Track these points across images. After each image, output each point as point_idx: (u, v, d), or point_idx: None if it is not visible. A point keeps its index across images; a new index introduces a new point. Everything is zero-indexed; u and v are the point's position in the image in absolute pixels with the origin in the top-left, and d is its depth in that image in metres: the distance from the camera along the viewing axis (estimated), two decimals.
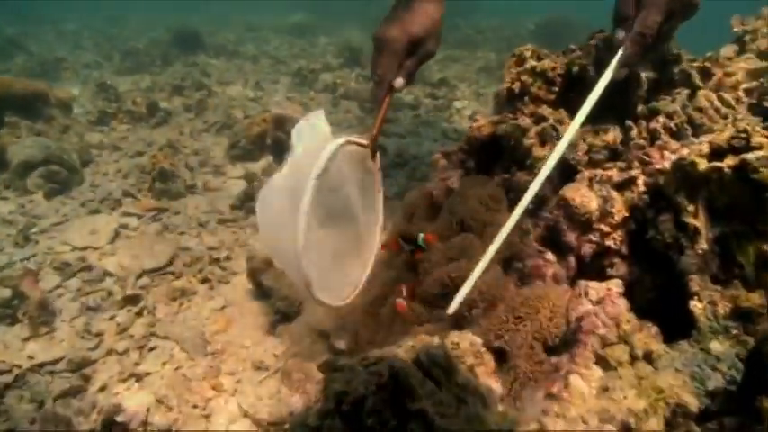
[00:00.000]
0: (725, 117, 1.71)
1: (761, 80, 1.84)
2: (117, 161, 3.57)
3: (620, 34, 1.37)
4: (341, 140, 1.31)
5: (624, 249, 1.51)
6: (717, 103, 1.73)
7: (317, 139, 1.34)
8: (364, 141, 1.39)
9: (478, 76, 6.04)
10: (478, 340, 1.00)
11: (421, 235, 1.56)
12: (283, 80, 5.76)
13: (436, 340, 0.89)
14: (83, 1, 9.91)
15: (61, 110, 3.94)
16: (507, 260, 1.60)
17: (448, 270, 1.43)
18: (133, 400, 1.72)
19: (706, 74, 1.85)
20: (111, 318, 2.14)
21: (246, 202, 2.98)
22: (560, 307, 1.29)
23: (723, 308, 1.26)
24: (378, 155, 1.46)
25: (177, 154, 3.65)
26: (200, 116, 4.44)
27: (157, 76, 5.71)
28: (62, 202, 3.06)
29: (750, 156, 1.18)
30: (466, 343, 0.90)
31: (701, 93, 1.72)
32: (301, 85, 5.48)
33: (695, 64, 1.85)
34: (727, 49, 2.04)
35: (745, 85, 1.84)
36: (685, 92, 1.66)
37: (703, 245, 1.29)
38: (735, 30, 2.08)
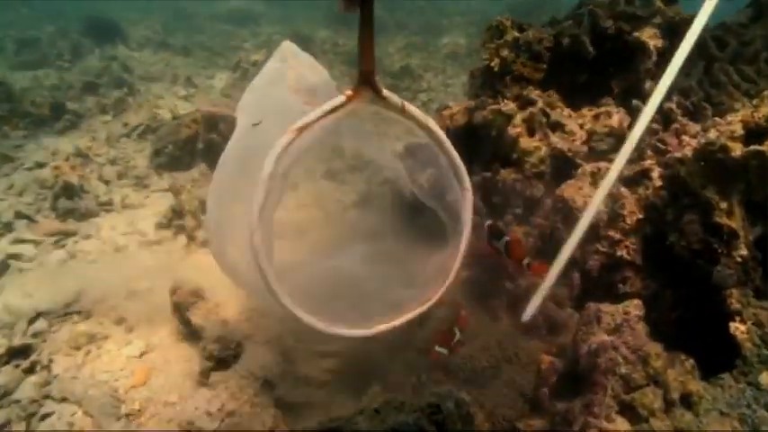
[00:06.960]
0: (746, 94, 1.59)
1: None
2: (9, 175, 3.27)
3: None
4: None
5: (639, 260, 1.37)
6: (735, 78, 1.61)
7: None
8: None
9: (445, 65, 5.97)
10: (467, 398, 0.82)
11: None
12: (220, 75, 5.55)
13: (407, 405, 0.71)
14: None
15: None
16: (494, 280, 1.43)
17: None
18: None
19: (719, 44, 1.74)
20: None
21: (175, 220, 2.74)
22: None
23: None
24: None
25: (89, 164, 3.39)
26: (119, 118, 4.17)
27: (66, 72, 5.37)
28: None
29: None
30: (450, 404, 0.71)
31: (716, 66, 1.60)
32: (242, 80, 5.23)
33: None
34: (740, 15, 1.94)
35: (766, 55, 1.72)
36: (700, 63, 1.54)
37: (742, 251, 1.14)
38: None
